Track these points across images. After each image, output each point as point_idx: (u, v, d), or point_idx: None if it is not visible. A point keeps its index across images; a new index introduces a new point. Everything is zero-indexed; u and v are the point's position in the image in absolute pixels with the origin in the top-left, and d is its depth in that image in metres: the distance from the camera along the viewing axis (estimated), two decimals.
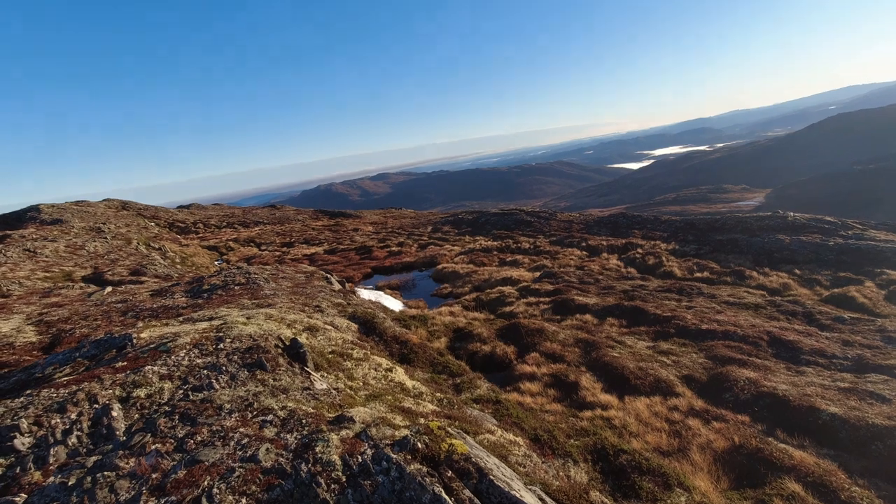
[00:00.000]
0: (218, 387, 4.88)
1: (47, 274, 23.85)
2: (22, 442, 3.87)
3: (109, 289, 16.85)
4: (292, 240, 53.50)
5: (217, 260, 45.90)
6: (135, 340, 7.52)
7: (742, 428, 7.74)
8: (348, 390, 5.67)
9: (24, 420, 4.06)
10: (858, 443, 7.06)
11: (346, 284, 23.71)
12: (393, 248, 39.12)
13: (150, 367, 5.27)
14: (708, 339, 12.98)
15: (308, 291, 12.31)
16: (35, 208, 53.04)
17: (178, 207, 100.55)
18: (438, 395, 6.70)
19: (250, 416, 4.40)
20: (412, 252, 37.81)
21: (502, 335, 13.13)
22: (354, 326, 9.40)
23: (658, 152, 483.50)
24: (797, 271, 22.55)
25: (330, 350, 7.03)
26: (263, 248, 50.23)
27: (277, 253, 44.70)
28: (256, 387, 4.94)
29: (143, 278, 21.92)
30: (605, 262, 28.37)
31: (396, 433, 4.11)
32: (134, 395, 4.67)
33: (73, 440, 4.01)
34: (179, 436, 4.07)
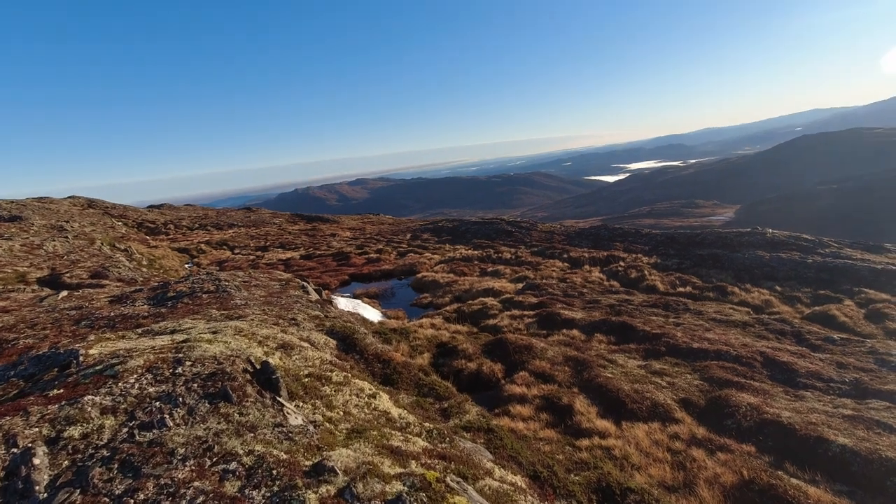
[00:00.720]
0: (172, 424, 4.08)
1: None
2: None
3: (65, 293, 15.56)
4: (267, 244, 51.94)
5: (187, 263, 44.07)
6: (81, 358, 6.60)
7: (749, 460, 7.27)
8: (327, 424, 4.91)
9: None
10: (873, 478, 6.67)
11: (323, 292, 22.76)
12: (371, 255, 38.21)
13: (90, 396, 4.43)
14: (700, 359, 12.63)
15: (283, 302, 11.44)
16: None
17: (149, 207, 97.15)
18: (427, 424, 6.00)
19: (209, 463, 3.62)
20: (391, 259, 36.98)
21: (488, 351, 12.49)
22: (333, 342, 8.61)
23: (634, 166, 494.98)
24: (778, 288, 22.67)
25: (306, 373, 6.25)
26: (237, 251, 48.57)
27: (251, 257, 43.22)
28: (219, 423, 4.16)
29: (105, 282, 20.52)
30: (588, 275, 28.14)
31: (387, 488, 3.41)
32: (66, 434, 3.84)
33: None
34: (117, 492, 3.28)
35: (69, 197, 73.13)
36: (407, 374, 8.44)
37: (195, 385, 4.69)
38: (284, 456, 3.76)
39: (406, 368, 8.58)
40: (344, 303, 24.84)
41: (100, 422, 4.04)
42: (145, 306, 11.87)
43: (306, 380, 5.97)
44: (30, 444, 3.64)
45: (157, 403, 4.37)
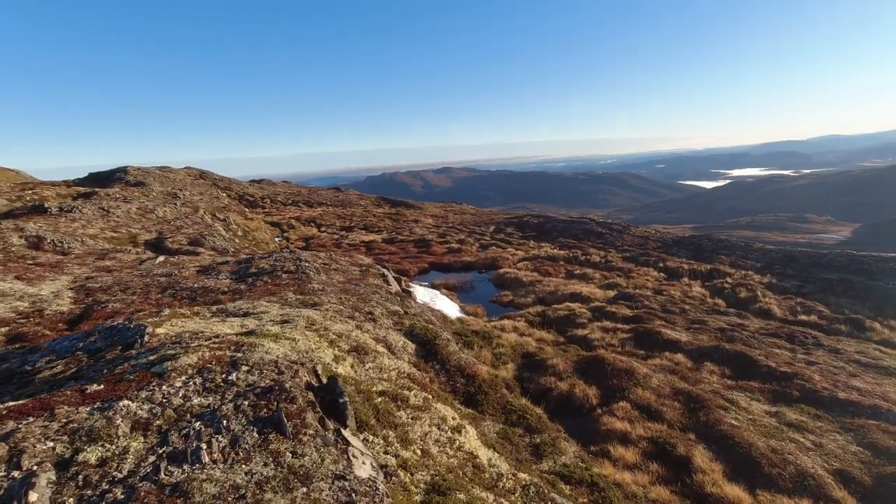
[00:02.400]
0: (208, 459, 3.13)
1: (114, 234, 24.07)
2: None
3: (162, 258, 16.19)
4: (352, 224, 53.18)
5: (277, 237, 46.26)
6: (146, 338, 6.07)
7: None
8: (401, 472, 3.79)
9: None
10: None
11: (402, 279, 22.17)
12: (452, 245, 37.38)
13: (127, 402, 3.63)
14: (851, 415, 10.06)
15: (361, 291, 10.66)
16: (123, 169, 56.10)
17: (251, 181, 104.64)
18: (523, 475, 4.71)
19: None
20: (472, 251, 35.88)
21: (582, 370, 10.86)
22: (412, 347, 7.58)
23: (736, 172, 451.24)
24: None
25: (380, 389, 5.20)
26: (323, 229, 50.19)
27: (336, 236, 44.31)
28: (265, 466, 3.15)
29: (200, 249, 21.44)
30: (688, 289, 25.04)
31: None
32: (82, 457, 3.01)
33: None
34: None
35: (185, 167, 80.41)
36: (493, 396, 7.18)
37: (246, 403, 3.74)
38: None
39: (492, 388, 7.33)
40: (422, 292, 24.15)
41: (125, 443, 3.18)
42: (227, 280, 11.69)
43: (379, 400, 4.89)
44: (35, 468, 2.83)
45: (198, 424, 3.45)
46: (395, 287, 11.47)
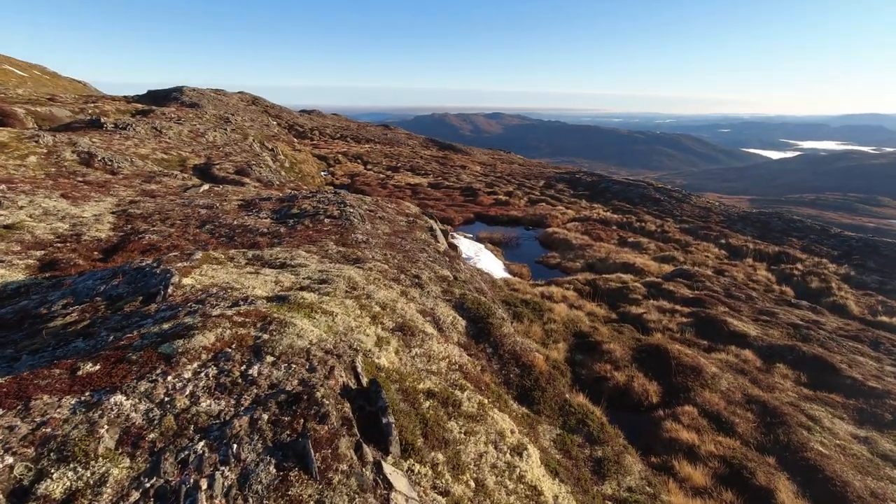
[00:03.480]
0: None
1: (164, 156, 23.99)
2: None
3: (206, 187, 15.75)
4: (398, 164, 52.07)
5: (323, 171, 45.86)
6: (171, 289, 5.38)
7: None
8: None
9: None
10: None
11: (447, 230, 21.21)
12: (500, 197, 35.82)
13: (119, 397, 2.86)
14: None
15: (407, 247, 9.74)
16: (179, 90, 56.39)
17: (301, 111, 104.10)
18: None
19: None
20: (520, 206, 34.29)
21: (640, 360, 9.77)
22: (462, 324, 6.67)
23: (807, 144, 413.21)
24: None
25: (427, 388, 4.32)
26: (369, 167, 49.37)
27: (381, 176, 43.45)
28: None
29: (245, 180, 21.03)
30: (752, 272, 22.89)
31: None
32: (43, 487, 2.26)
33: None
34: None
35: (238, 92, 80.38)
36: (551, 392, 6.25)
37: (265, 417, 2.90)
38: None
39: (550, 383, 6.38)
40: (466, 244, 23.21)
41: (105, 467, 2.41)
42: (267, 220, 11.02)
43: (427, 405, 4.02)
44: None
45: (201, 445, 2.65)
46: (443, 244, 10.48)
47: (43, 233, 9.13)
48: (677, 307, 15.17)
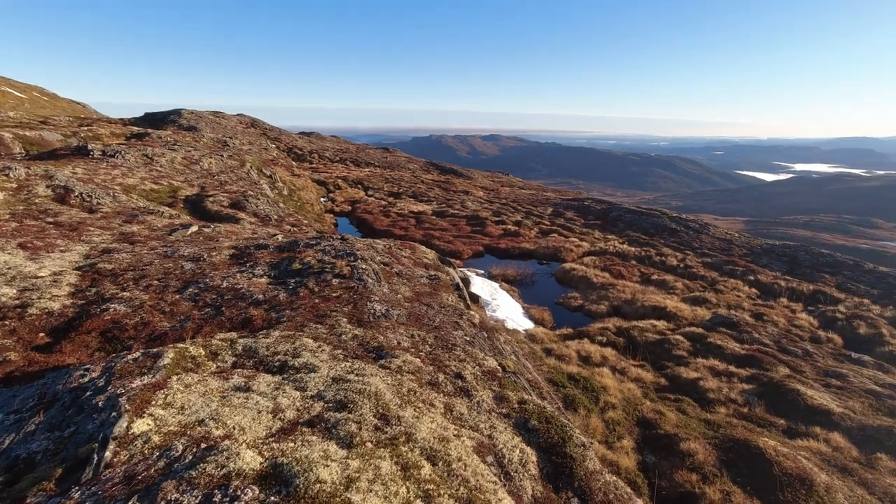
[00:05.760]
0: None
1: (155, 186, 22.21)
2: None
3: (195, 228, 13.90)
4: (400, 190, 50.53)
5: (323, 197, 44.22)
6: (110, 453, 3.49)
7: None
8: None
9: None
10: None
11: (455, 264, 19.33)
12: (509, 227, 34.13)
13: None
14: None
15: (437, 319, 7.88)
16: (178, 112, 54.99)
17: (300, 133, 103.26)
18: None
19: None
20: (531, 237, 32.59)
21: (729, 464, 7.83)
22: (532, 459, 4.79)
23: (800, 167, 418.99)
24: None
25: None
26: (370, 193, 47.80)
27: (384, 203, 41.81)
28: None
29: (240, 214, 19.20)
30: (791, 315, 21.05)
31: None
32: None
33: None
34: None
35: (237, 114, 79.32)
36: None
37: None
38: None
39: None
40: (480, 284, 21.33)
41: None
42: (263, 279, 9.14)
43: None
44: None
45: None
46: (476, 316, 8.59)
47: None
48: (732, 368, 13.27)
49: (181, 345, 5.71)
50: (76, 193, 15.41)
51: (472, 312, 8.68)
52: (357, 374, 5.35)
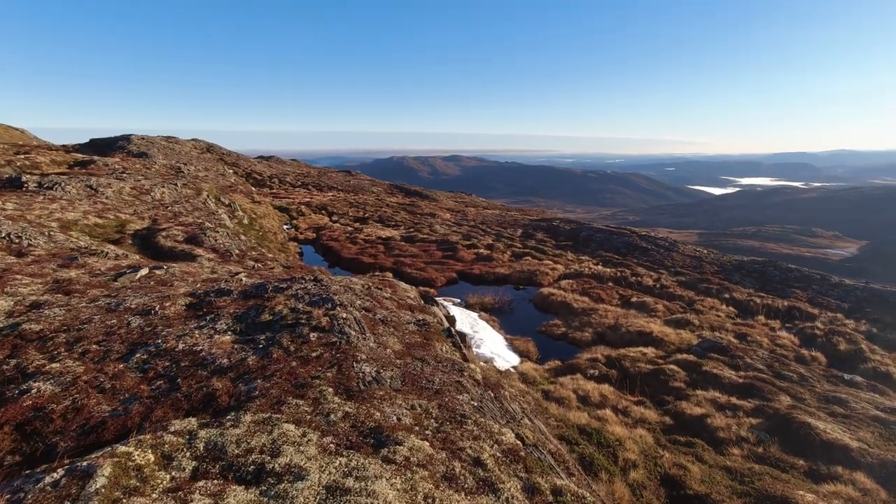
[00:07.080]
0: None
1: (99, 221, 20.19)
2: None
3: (144, 271, 12.29)
4: (366, 215, 49.21)
5: (286, 224, 42.36)
6: None
7: None
8: None
9: None
10: None
11: (429, 292, 18.27)
12: (481, 251, 33.42)
13: None
14: None
15: (436, 380, 6.80)
16: (126, 137, 51.79)
17: (259, 158, 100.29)
18: None
19: None
20: (504, 261, 31.96)
21: None
22: None
23: (745, 181, 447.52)
24: None
25: None
26: (335, 218, 46.30)
27: (349, 229, 40.42)
28: None
29: (197, 251, 17.53)
30: (773, 335, 21.05)
31: None
32: None
33: None
34: None
35: (192, 139, 76.14)
36: None
37: None
38: None
39: None
40: (459, 315, 20.25)
41: None
42: (228, 337, 7.80)
43: None
44: None
45: None
46: (477, 369, 7.57)
47: None
48: (734, 400, 12.73)
49: (122, 447, 4.40)
50: (2, 234, 13.50)
51: (472, 366, 7.65)
52: (358, 478, 4.20)
